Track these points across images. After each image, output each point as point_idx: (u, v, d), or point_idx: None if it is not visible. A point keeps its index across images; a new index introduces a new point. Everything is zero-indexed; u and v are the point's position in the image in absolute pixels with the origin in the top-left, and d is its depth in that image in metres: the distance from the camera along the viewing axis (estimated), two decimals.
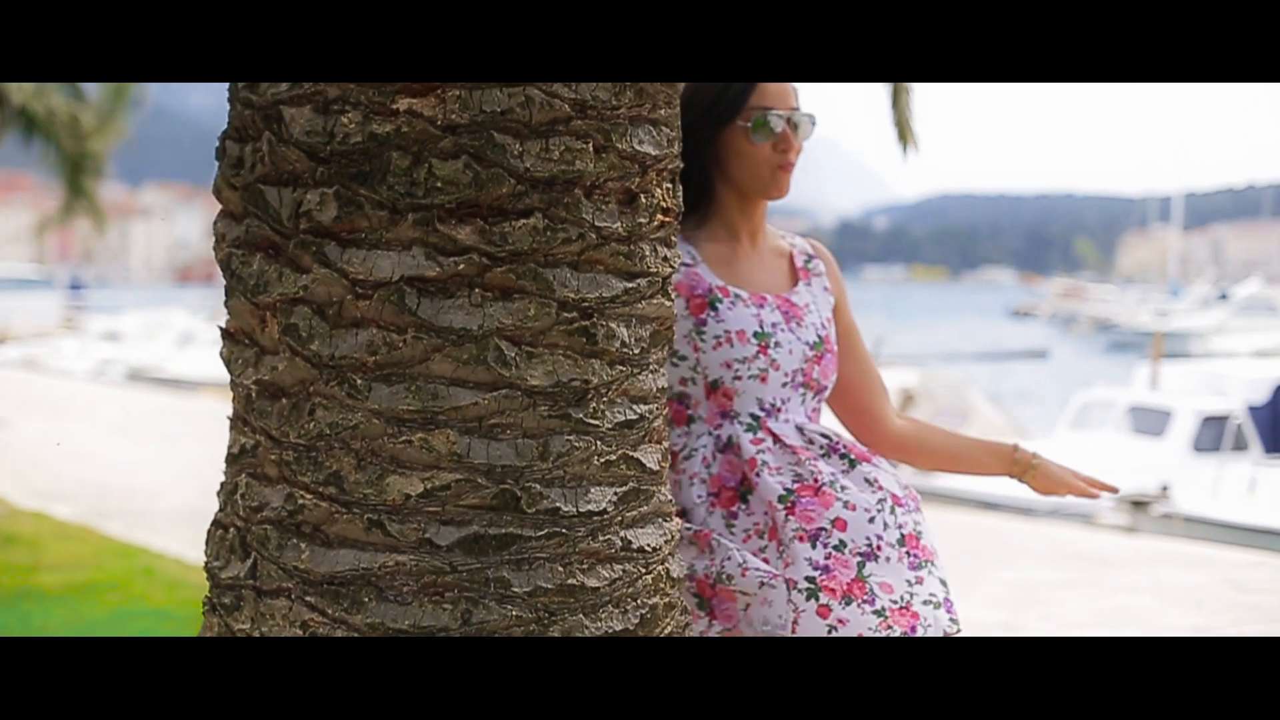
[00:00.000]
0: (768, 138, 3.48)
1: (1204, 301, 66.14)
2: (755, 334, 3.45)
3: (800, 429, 3.48)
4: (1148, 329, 43.49)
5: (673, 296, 2.99)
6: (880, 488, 3.37)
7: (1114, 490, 3.58)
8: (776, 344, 3.47)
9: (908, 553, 3.31)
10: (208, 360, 37.06)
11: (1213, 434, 21.53)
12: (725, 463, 3.42)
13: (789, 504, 3.31)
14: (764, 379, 3.47)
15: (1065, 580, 11.72)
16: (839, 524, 3.26)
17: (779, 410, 3.47)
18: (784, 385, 3.49)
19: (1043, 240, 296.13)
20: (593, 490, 2.83)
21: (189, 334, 43.51)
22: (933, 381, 26.85)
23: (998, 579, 11.24)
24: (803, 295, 3.60)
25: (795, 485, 3.34)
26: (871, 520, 3.29)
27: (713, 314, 3.42)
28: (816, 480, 3.35)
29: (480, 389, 2.74)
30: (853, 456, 3.45)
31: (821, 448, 3.45)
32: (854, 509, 3.29)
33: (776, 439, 3.43)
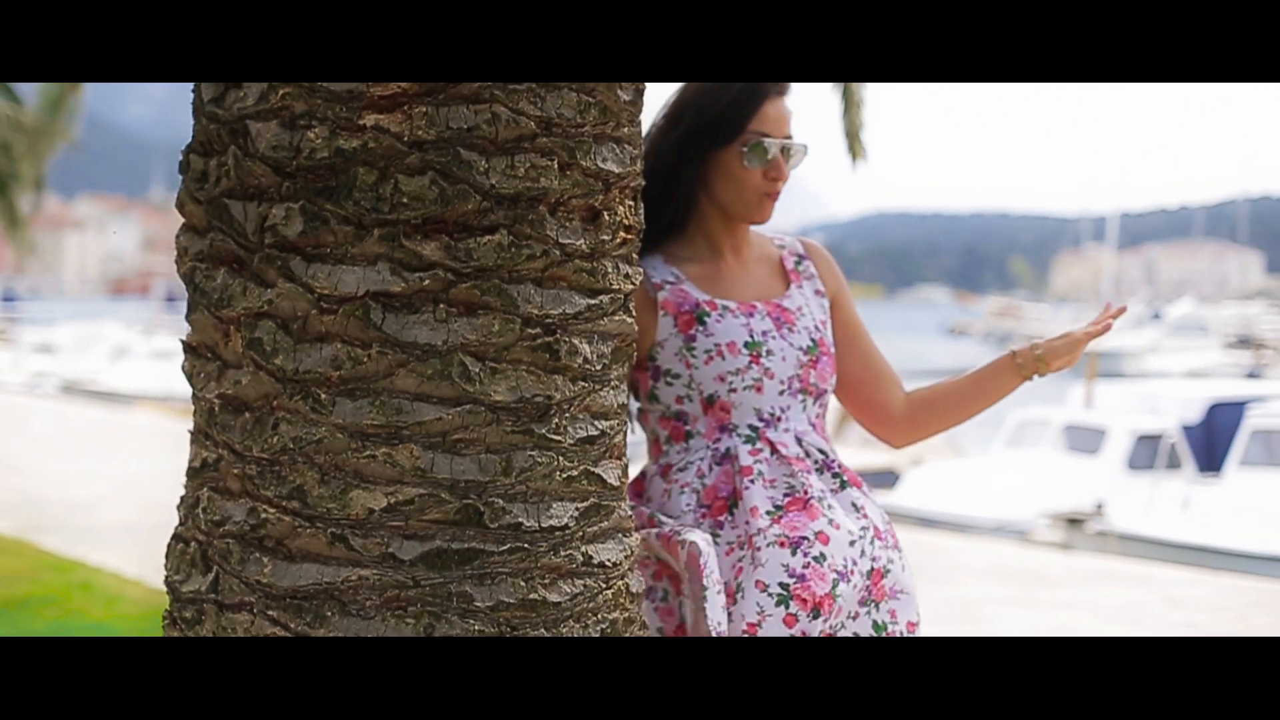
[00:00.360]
0: (761, 164, 3.44)
1: (1138, 321, 66.71)
2: (746, 344, 3.43)
3: (800, 439, 3.45)
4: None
5: (633, 313, 3.01)
6: (865, 515, 3.40)
7: (1121, 311, 3.50)
8: (769, 352, 3.43)
9: (867, 588, 3.35)
10: (142, 373, 36.89)
11: (1147, 452, 21.72)
12: (721, 474, 3.40)
13: (776, 516, 3.30)
14: (759, 389, 3.43)
15: (1004, 597, 11.80)
16: (822, 537, 3.28)
17: (779, 419, 3.44)
18: (781, 393, 3.44)
19: (978, 259, 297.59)
20: (555, 505, 2.85)
21: (123, 347, 43.26)
22: None
23: (937, 596, 11.30)
24: (794, 299, 3.55)
25: (785, 500, 3.34)
26: (852, 544, 3.31)
27: (701, 329, 3.41)
28: (806, 493, 3.34)
29: (444, 404, 2.76)
30: (845, 478, 3.45)
31: (816, 462, 3.44)
32: (838, 528, 3.31)
33: (774, 449, 3.40)
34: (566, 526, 2.86)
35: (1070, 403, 26.12)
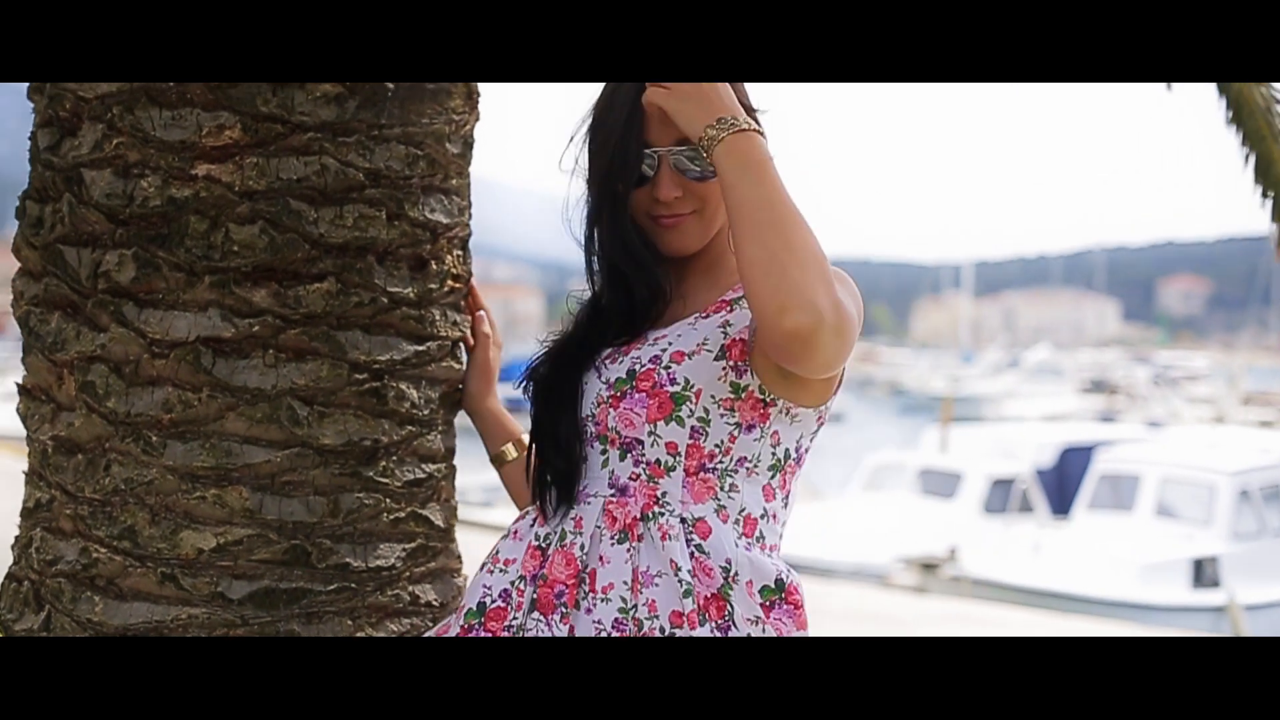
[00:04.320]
0: (640, 182, 2.63)
1: (995, 367, 67.60)
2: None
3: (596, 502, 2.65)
4: (940, 393, 44.37)
5: (463, 360, 3.09)
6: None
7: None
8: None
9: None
10: None
11: (1001, 496, 22.07)
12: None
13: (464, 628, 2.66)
14: None
15: None
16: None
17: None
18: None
19: None
20: (381, 546, 2.93)
21: None
22: None
23: None
24: (675, 329, 2.65)
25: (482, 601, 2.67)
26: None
27: None
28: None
29: (273, 447, 2.83)
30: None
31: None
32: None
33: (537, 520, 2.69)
34: (394, 567, 2.94)
35: (925, 446, 26.50)
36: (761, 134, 2.48)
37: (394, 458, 2.94)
